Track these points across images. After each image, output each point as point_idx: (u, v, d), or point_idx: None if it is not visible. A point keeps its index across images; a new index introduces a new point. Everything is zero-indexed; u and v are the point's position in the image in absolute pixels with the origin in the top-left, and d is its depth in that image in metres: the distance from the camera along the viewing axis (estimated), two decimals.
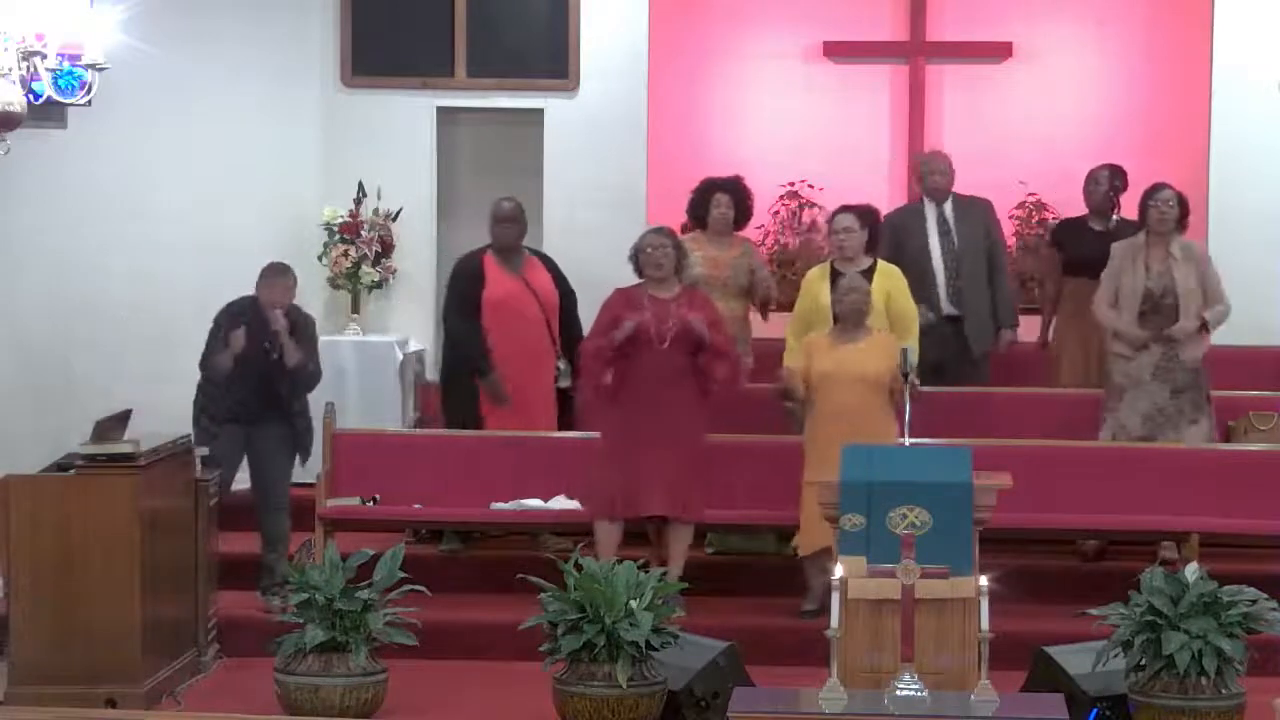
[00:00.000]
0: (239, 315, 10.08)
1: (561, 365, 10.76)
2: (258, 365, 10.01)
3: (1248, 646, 8.12)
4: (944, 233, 11.25)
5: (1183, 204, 10.47)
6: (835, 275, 10.13)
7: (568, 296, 10.89)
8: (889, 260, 10.51)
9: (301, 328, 10.18)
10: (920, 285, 10.69)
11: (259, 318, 10.04)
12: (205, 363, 10.14)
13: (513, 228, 10.83)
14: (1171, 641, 7.99)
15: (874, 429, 9.33)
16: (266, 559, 10.05)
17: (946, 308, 11.13)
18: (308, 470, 11.05)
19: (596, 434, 10.04)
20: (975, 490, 8.01)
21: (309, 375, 10.20)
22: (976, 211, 11.37)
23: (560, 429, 10.74)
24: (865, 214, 10.47)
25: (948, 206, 11.30)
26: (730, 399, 10.06)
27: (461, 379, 10.80)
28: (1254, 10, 12.32)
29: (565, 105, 12.48)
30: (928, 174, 11.38)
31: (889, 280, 10.19)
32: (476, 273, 10.77)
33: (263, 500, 10.08)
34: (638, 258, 9.99)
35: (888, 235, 10.95)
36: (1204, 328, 10.35)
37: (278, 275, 10.14)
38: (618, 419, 9.85)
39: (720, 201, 11.01)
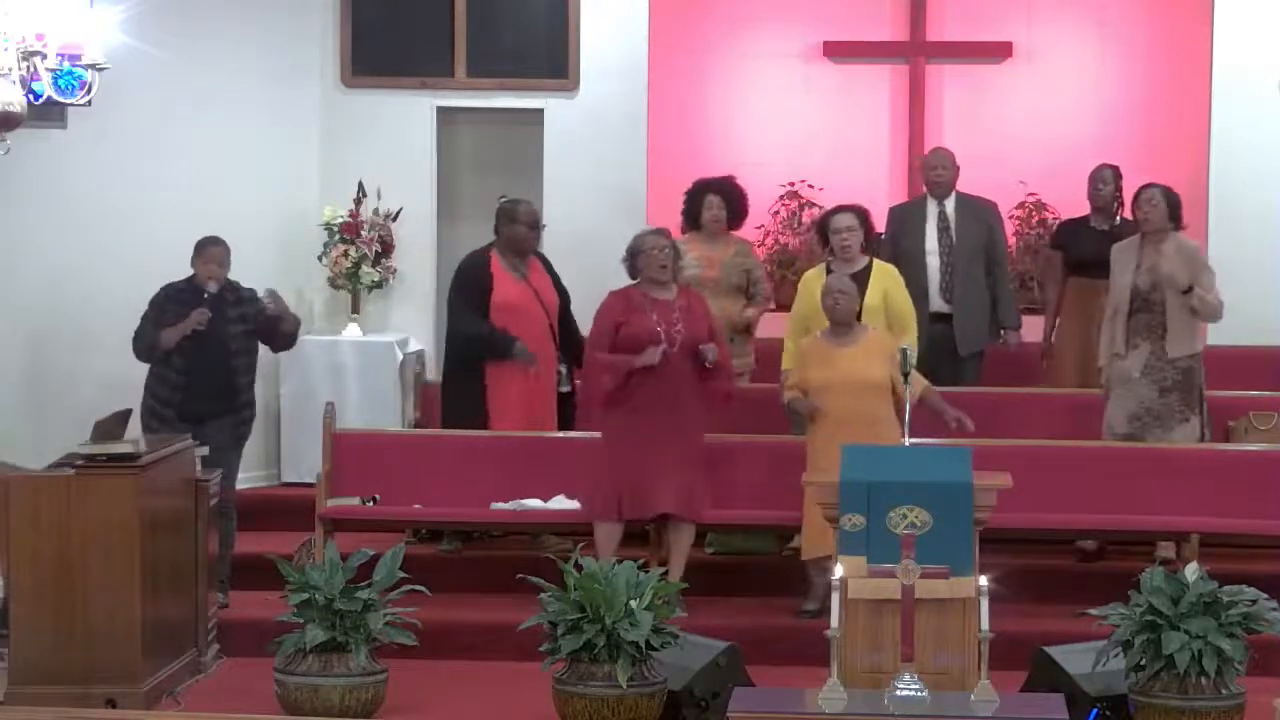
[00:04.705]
0: (179, 298, 10.03)
1: (562, 369, 10.74)
2: (206, 355, 9.96)
3: (1248, 646, 8.12)
4: (943, 229, 11.24)
5: (1171, 201, 10.36)
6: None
7: (564, 297, 10.84)
8: (886, 254, 10.49)
9: (249, 298, 10.17)
10: (914, 280, 10.70)
11: (198, 301, 9.99)
12: (143, 343, 10.03)
13: (537, 234, 10.80)
14: (1171, 641, 7.98)
15: (877, 433, 9.28)
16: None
17: (938, 305, 11.12)
18: (308, 470, 11.07)
19: (597, 434, 10.01)
20: (975, 490, 8.01)
21: (295, 331, 10.36)
22: (980, 212, 11.36)
23: (560, 430, 10.72)
24: (861, 214, 10.47)
25: (949, 203, 11.30)
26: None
27: (466, 379, 10.67)
28: (1254, 10, 12.32)
29: (565, 105, 12.47)
30: (929, 169, 11.39)
31: (886, 279, 10.17)
32: (484, 276, 10.65)
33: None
34: (635, 260, 9.92)
35: (889, 229, 10.93)
36: (1189, 291, 10.24)
37: (213, 246, 10.12)
38: (623, 421, 9.81)
39: (712, 203, 11.03)
